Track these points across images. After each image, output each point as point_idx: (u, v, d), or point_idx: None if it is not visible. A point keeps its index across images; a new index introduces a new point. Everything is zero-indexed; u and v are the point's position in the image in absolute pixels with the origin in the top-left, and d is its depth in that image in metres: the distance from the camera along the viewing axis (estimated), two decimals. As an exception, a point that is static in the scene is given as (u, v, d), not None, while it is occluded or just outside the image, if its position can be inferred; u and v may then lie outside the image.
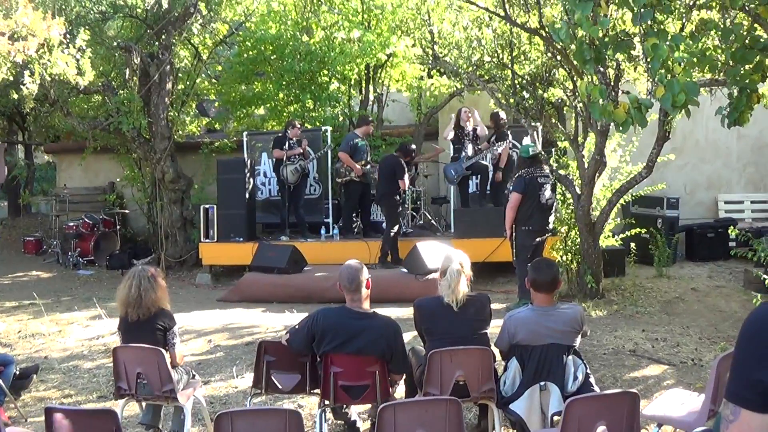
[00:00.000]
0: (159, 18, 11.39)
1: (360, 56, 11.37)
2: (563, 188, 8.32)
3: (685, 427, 3.71)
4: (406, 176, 9.54)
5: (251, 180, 11.04)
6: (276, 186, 11.43)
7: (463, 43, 10.20)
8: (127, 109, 11.25)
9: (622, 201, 8.27)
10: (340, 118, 12.71)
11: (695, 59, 4.92)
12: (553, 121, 9.75)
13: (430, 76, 12.64)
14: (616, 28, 5.63)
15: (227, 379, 5.94)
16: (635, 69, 7.75)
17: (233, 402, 5.39)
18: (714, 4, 5.72)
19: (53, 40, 9.23)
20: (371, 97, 12.93)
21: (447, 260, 4.29)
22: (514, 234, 7.70)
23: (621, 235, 9.02)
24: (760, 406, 1.46)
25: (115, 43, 11.70)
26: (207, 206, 10.89)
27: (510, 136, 10.12)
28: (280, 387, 4.48)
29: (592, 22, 4.57)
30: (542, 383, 3.92)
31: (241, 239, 10.55)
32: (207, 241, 10.76)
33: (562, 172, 8.20)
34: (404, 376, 4.40)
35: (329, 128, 11.64)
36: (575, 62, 5.91)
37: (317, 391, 4.28)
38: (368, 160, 10.39)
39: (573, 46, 5.21)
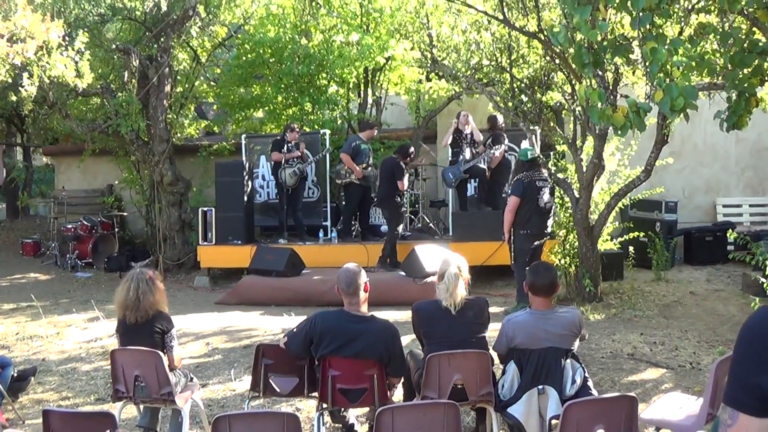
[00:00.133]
0: (158, 20, 11.40)
1: (359, 59, 11.38)
2: (562, 192, 8.32)
3: (684, 431, 3.71)
4: (405, 177, 9.57)
5: (249, 183, 11.03)
6: (274, 189, 11.43)
7: (462, 47, 10.20)
8: (125, 111, 11.24)
9: (620, 204, 8.28)
10: (339, 122, 12.72)
11: (694, 63, 4.93)
12: (552, 124, 9.75)
13: (428, 80, 12.66)
14: (615, 32, 5.63)
15: (225, 382, 5.93)
16: (634, 73, 7.75)
17: (231, 405, 5.38)
18: (713, 7, 5.72)
19: (52, 43, 9.23)
20: (370, 100, 12.93)
21: (445, 264, 4.29)
22: (512, 237, 7.70)
23: (619, 239, 9.02)
24: (758, 411, 1.46)
25: (113, 46, 11.69)
26: (205, 209, 10.89)
27: (506, 139, 10.14)
28: (278, 390, 4.48)
29: (591, 25, 4.58)
30: (540, 387, 3.92)
31: (240, 242, 10.54)
32: (205, 243, 10.75)
33: (560, 175, 8.20)
34: (402, 380, 4.40)
35: (328, 131, 11.64)
36: (574, 66, 5.92)
37: (315, 394, 4.27)
38: (370, 163, 10.39)
39: (572, 50, 5.21)
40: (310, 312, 4.56)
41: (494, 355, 4.29)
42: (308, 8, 12.60)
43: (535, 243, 7.63)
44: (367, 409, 4.51)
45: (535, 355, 3.96)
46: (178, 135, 12.76)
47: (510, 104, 8.92)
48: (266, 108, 12.84)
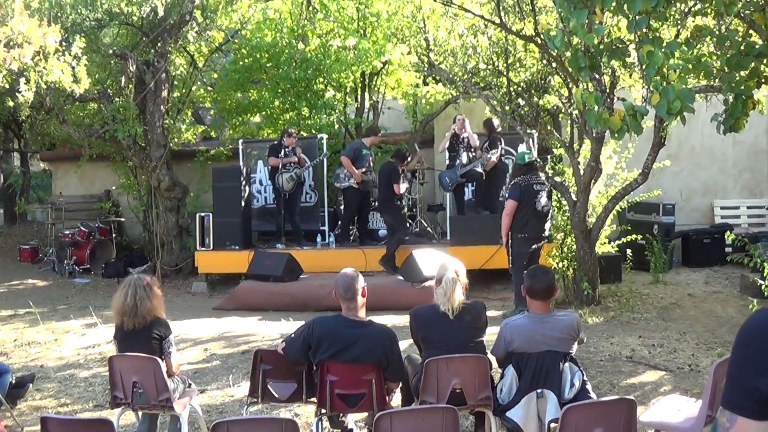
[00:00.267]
0: (155, 26, 11.39)
1: (356, 64, 11.39)
2: (559, 195, 8.32)
3: (683, 434, 3.71)
4: (402, 182, 9.58)
5: (247, 188, 11.02)
6: (272, 194, 11.42)
7: (459, 51, 10.22)
8: (122, 116, 11.24)
9: (618, 207, 8.27)
10: (336, 126, 12.72)
11: (690, 66, 4.93)
12: (549, 128, 9.78)
13: (425, 84, 12.68)
14: (611, 36, 5.64)
15: (223, 387, 5.92)
16: (630, 76, 7.77)
17: (229, 411, 5.37)
18: (709, 10, 5.73)
19: (49, 48, 9.23)
20: (367, 104, 12.94)
21: (442, 268, 4.29)
22: (510, 241, 7.70)
23: (617, 242, 9.03)
24: (756, 414, 1.46)
25: (110, 51, 11.68)
26: (203, 214, 10.88)
27: (503, 143, 10.15)
28: (276, 396, 4.47)
29: (588, 29, 4.58)
30: (539, 390, 3.91)
31: (237, 247, 10.53)
32: (203, 249, 10.74)
33: (557, 179, 8.20)
34: (400, 385, 4.39)
35: (325, 136, 11.64)
36: (570, 69, 5.92)
37: (314, 399, 4.27)
38: (370, 168, 10.39)
39: (568, 54, 5.21)
40: (308, 317, 4.55)
41: (492, 359, 4.29)
42: (305, 13, 12.62)
43: (533, 246, 7.63)
44: (365, 414, 4.50)
45: (534, 358, 3.96)
46: (175, 140, 12.75)
47: (507, 108, 8.93)
48: (263, 113, 12.85)
